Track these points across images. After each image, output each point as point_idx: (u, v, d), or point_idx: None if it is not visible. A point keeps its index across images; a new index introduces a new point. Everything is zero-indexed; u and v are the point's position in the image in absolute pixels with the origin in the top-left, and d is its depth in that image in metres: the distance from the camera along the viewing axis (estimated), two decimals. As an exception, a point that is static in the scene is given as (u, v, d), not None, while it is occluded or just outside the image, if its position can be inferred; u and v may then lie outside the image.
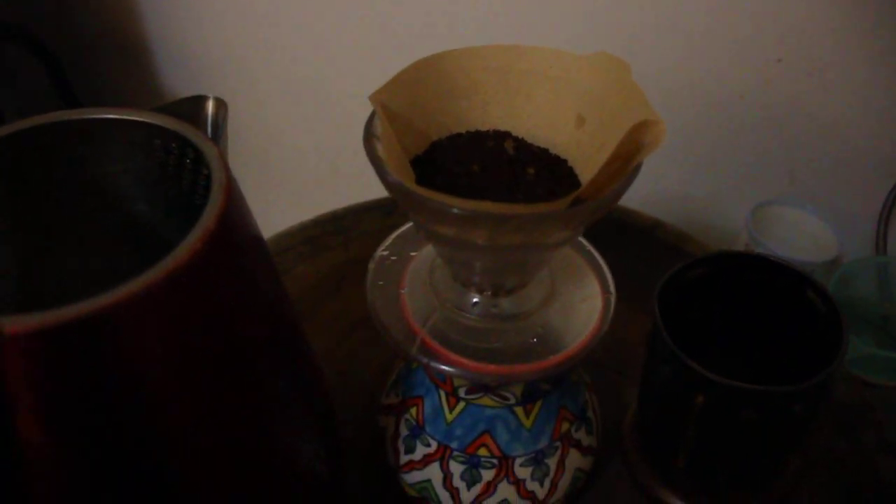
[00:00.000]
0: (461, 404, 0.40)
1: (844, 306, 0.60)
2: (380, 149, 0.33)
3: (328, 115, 0.87)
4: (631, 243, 0.63)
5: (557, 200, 0.29)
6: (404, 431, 0.43)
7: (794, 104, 0.70)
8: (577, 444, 0.43)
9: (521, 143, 0.36)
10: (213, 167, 0.28)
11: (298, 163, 0.98)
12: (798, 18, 0.65)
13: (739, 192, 0.77)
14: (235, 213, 0.28)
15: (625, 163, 0.33)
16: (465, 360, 0.36)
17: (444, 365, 0.36)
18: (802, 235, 0.67)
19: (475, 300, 0.38)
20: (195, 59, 0.96)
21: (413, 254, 0.41)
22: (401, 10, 0.79)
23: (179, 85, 0.99)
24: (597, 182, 0.31)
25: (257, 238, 0.31)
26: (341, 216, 0.63)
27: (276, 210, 0.71)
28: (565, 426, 0.42)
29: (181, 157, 0.32)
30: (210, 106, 0.35)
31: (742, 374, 0.39)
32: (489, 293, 0.38)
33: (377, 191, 0.38)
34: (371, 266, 0.41)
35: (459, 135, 0.37)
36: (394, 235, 0.43)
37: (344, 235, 0.62)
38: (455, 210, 0.29)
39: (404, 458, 0.43)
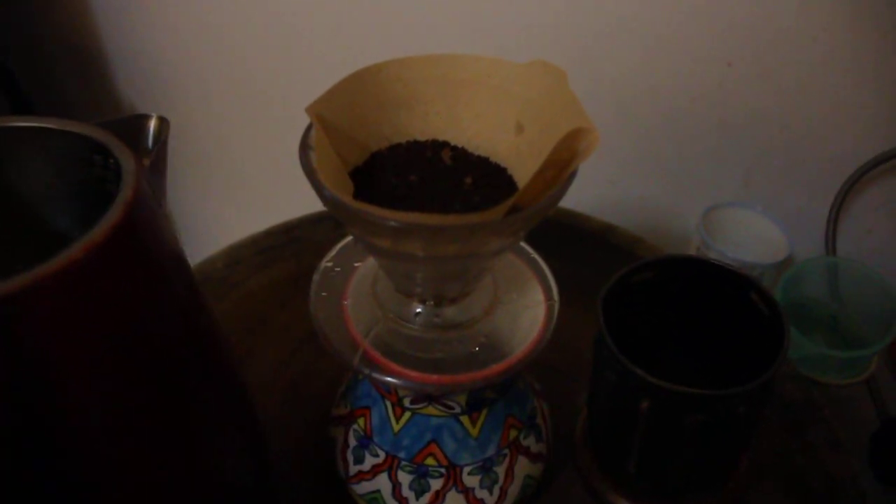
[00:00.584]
0: (407, 414, 0.40)
1: (794, 307, 0.61)
2: (314, 160, 0.33)
3: (284, 127, 0.87)
4: (583, 249, 0.63)
5: (491, 209, 0.29)
6: (353, 442, 0.43)
7: (745, 107, 0.70)
8: (526, 452, 0.43)
9: (458, 153, 0.36)
10: (124, 179, 0.28)
11: (255, 173, 0.98)
12: (746, 22, 0.65)
13: (695, 195, 0.77)
14: (139, 225, 0.28)
15: (560, 170, 0.33)
16: (406, 371, 0.36)
17: (385, 376, 0.36)
18: (754, 237, 0.68)
19: (418, 310, 0.38)
20: (153, 73, 0.95)
21: (357, 265, 0.41)
22: (354, 24, 0.79)
23: (137, 98, 0.98)
24: (531, 190, 0.31)
25: (169, 249, 0.31)
26: (294, 226, 0.63)
27: (235, 221, 0.71)
28: (513, 433, 0.42)
29: (105, 169, 0.31)
30: (152, 124, 0.35)
31: (690, 376, 0.39)
32: (431, 303, 0.38)
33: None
34: (315, 277, 0.41)
35: (399, 145, 0.37)
36: (338, 246, 0.42)
37: (296, 246, 0.61)
38: (390, 223, 0.29)
39: (354, 469, 0.43)
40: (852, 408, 0.66)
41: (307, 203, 0.65)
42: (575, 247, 0.63)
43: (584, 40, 0.72)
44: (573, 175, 0.33)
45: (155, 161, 0.34)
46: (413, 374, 0.36)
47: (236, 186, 1.01)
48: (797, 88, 0.67)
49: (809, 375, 0.60)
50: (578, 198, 0.81)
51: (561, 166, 0.33)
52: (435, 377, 0.36)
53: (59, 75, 1.01)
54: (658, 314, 0.46)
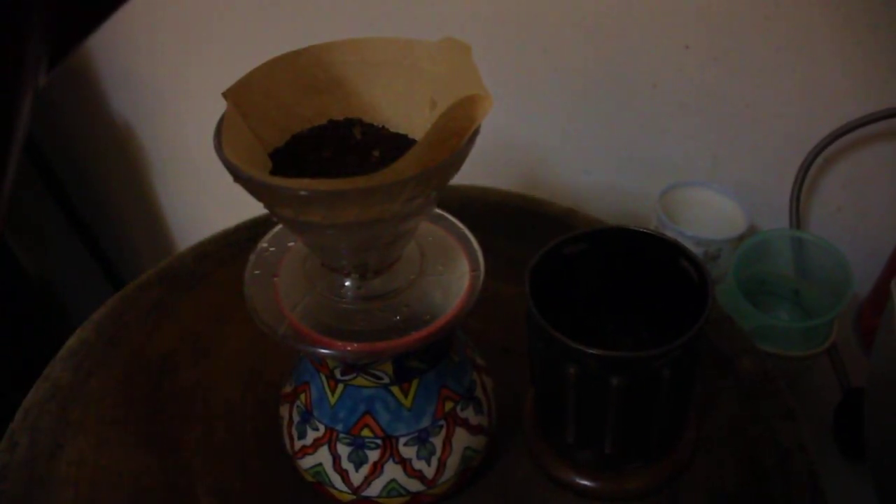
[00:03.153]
0: (340, 387, 0.41)
1: (755, 282, 0.61)
2: (227, 141, 0.34)
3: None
4: (544, 233, 0.64)
5: (380, 173, 0.31)
6: (297, 418, 0.44)
7: (705, 89, 0.71)
8: (465, 424, 0.44)
9: (368, 128, 0.38)
10: None
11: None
12: (700, 5, 0.66)
13: (664, 178, 0.78)
14: None
15: (461, 138, 0.34)
16: (328, 340, 0.37)
17: (309, 346, 0.37)
18: (712, 214, 0.69)
19: (345, 283, 0.39)
20: (139, 81, 0.98)
21: (290, 244, 0.43)
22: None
23: (124, 106, 1.02)
24: (422, 156, 0.32)
25: None
26: (260, 223, 0.65)
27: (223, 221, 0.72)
28: (449, 405, 0.43)
29: None
30: None
31: (628, 345, 0.40)
32: (356, 276, 0.39)
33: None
34: (251, 258, 0.42)
35: (319, 126, 0.39)
36: (275, 230, 0.44)
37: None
38: (288, 190, 0.31)
39: (298, 444, 0.44)
40: (817, 383, 0.66)
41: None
42: (535, 232, 0.64)
43: (543, 33, 0.73)
44: (473, 138, 0.34)
45: None
46: (332, 342, 0.37)
47: (219, 188, 1.04)
48: (755, 67, 0.68)
49: (771, 350, 0.60)
50: (553, 188, 0.82)
51: (462, 134, 0.34)
52: (354, 345, 0.37)
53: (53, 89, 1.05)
54: (594, 285, 0.47)
